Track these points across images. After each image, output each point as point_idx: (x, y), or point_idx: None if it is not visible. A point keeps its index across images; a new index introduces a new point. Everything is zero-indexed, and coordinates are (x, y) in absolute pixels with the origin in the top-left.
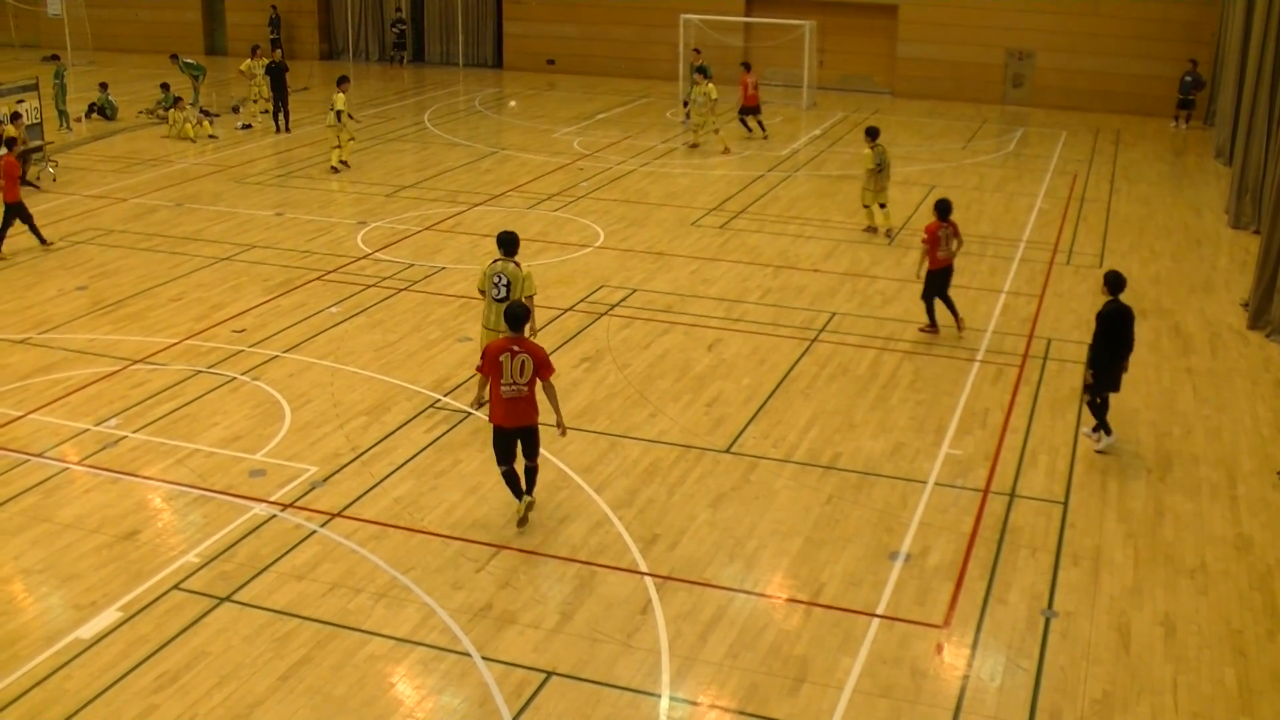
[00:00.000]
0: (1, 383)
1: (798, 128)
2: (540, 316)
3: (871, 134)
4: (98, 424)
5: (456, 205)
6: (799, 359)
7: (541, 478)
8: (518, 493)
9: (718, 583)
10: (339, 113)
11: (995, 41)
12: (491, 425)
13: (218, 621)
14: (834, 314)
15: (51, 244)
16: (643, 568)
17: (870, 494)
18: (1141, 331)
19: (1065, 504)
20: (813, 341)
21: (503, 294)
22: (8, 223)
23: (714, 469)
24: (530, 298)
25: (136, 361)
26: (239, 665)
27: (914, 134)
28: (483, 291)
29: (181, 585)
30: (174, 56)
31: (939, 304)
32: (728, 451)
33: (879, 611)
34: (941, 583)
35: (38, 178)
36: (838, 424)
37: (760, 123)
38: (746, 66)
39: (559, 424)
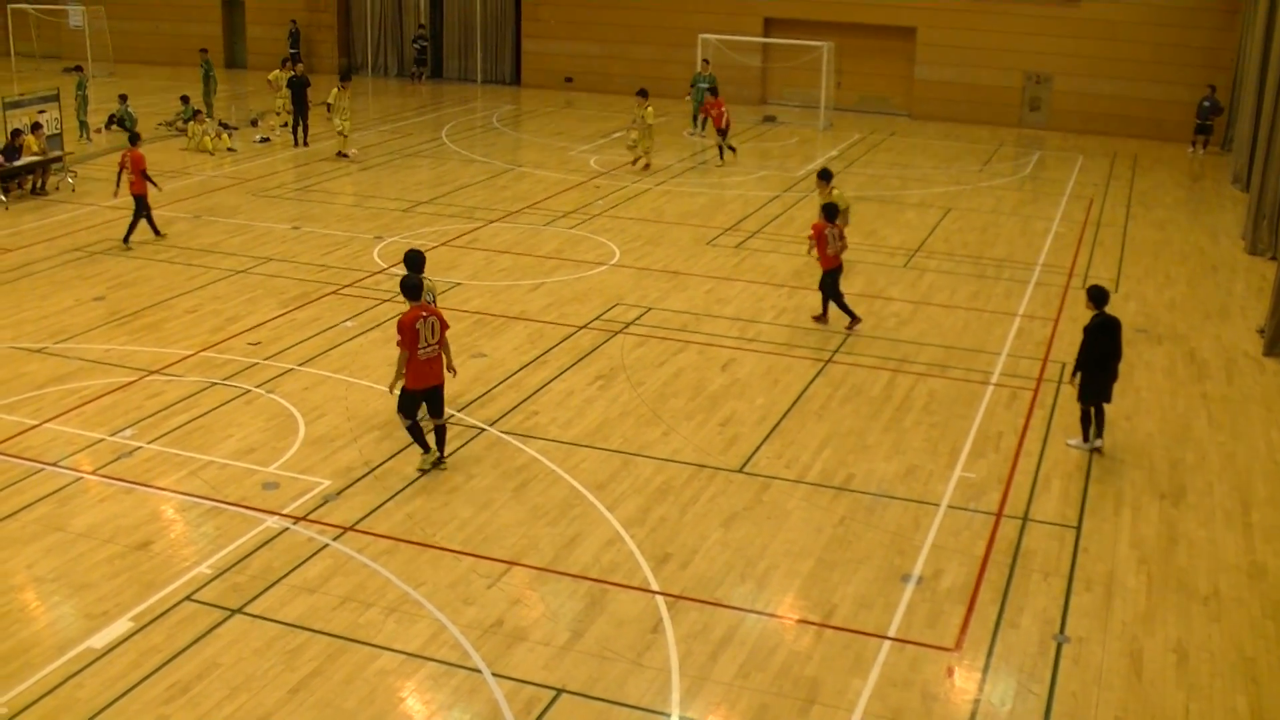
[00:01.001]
0: (18, 391)
1: (814, 149)
2: (554, 333)
3: (827, 176)
4: (113, 434)
5: (473, 221)
6: (813, 380)
7: (554, 494)
8: (425, 443)
9: (729, 602)
10: (327, 105)
11: (1013, 65)
12: (407, 390)
13: (229, 633)
14: (848, 335)
15: (164, 235)
16: (654, 586)
17: (883, 516)
18: (1156, 357)
19: (1078, 529)
20: (827, 363)
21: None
22: (139, 215)
23: (726, 489)
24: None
25: (152, 372)
26: (250, 677)
27: (931, 156)
28: None
29: (193, 596)
30: (204, 50)
31: (832, 304)
32: (740, 471)
33: (890, 634)
34: (953, 606)
35: (56, 188)
36: (851, 445)
37: (730, 145)
38: (713, 91)
39: (450, 367)
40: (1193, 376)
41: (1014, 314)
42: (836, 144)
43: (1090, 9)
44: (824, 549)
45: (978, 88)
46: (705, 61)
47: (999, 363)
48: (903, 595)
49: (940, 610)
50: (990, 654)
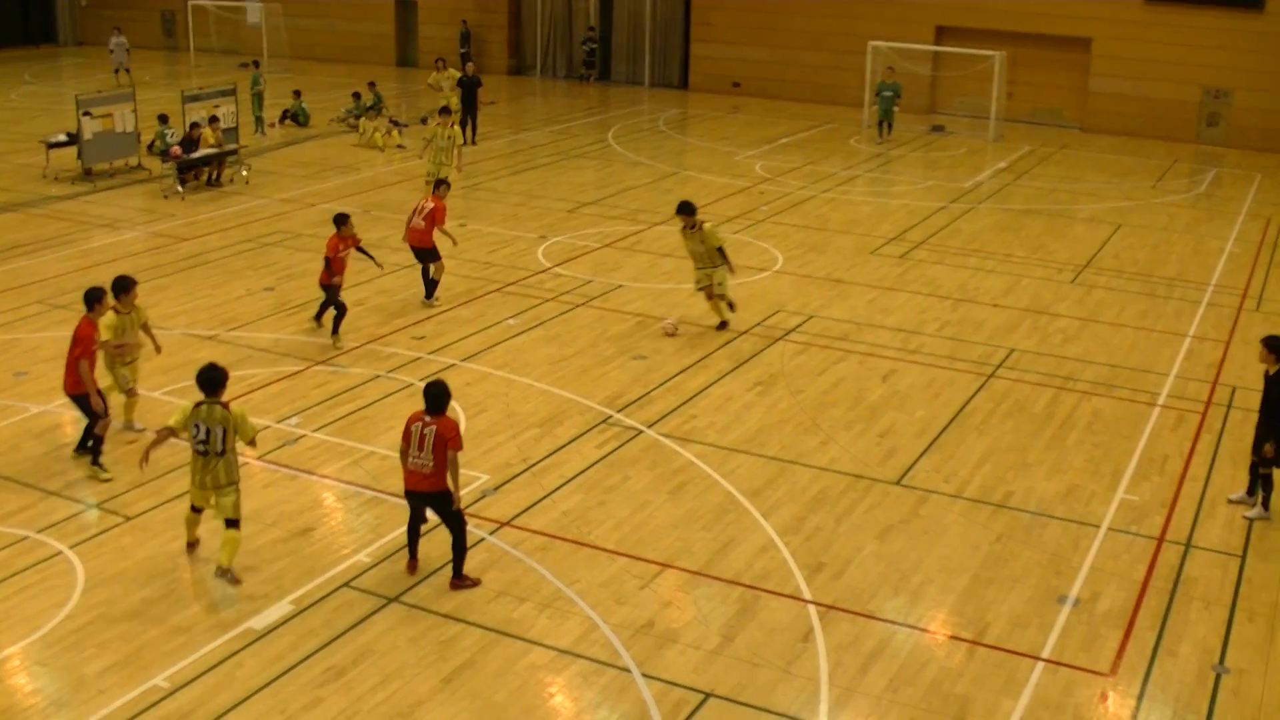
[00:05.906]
0: (189, 377)
1: (983, 160)
2: (715, 338)
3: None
4: (279, 421)
5: (637, 224)
6: (974, 394)
7: (710, 499)
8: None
9: (881, 615)
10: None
11: (1191, 79)
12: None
13: (385, 621)
14: (1012, 350)
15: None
16: (806, 595)
17: (1041, 535)
18: None
19: (1243, 558)
20: (989, 377)
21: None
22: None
23: (883, 500)
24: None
25: (319, 363)
26: (403, 665)
27: (1102, 170)
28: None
29: (352, 583)
30: (372, 84)
31: None
32: (898, 484)
33: (1044, 655)
34: (1110, 630)
35: (230, 180)
36: (1011, 462)
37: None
38: (341, 220)
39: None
40: None
41: (1184, 334)
42: (1006, 155)
43: (1275, 21)
44: (980, 566)
45: (1153, 101)
46: (890, 69)
47: (1167, 384)
48: (1058, 617)
49: (1096, 634)
50: (1146, 681)
